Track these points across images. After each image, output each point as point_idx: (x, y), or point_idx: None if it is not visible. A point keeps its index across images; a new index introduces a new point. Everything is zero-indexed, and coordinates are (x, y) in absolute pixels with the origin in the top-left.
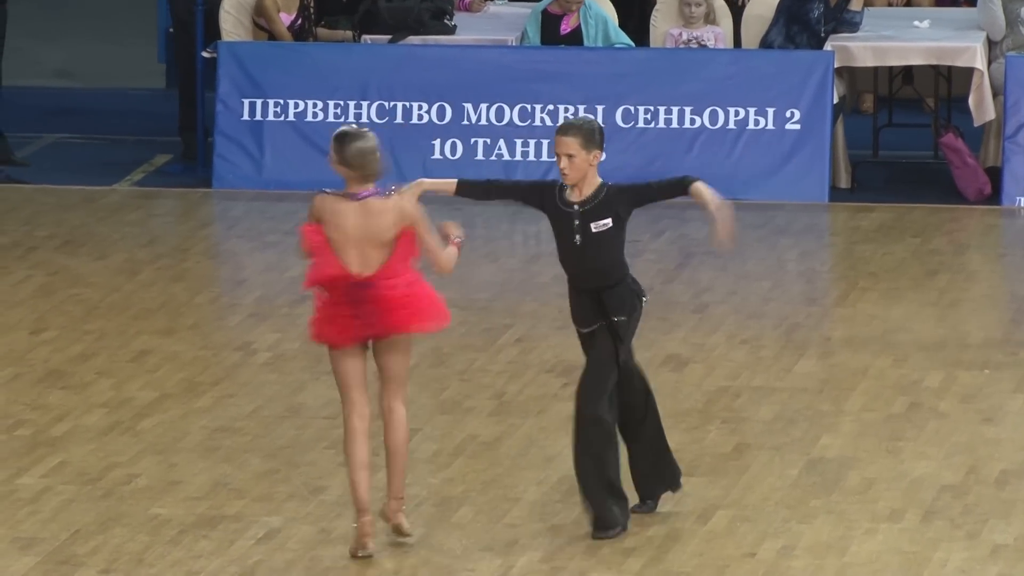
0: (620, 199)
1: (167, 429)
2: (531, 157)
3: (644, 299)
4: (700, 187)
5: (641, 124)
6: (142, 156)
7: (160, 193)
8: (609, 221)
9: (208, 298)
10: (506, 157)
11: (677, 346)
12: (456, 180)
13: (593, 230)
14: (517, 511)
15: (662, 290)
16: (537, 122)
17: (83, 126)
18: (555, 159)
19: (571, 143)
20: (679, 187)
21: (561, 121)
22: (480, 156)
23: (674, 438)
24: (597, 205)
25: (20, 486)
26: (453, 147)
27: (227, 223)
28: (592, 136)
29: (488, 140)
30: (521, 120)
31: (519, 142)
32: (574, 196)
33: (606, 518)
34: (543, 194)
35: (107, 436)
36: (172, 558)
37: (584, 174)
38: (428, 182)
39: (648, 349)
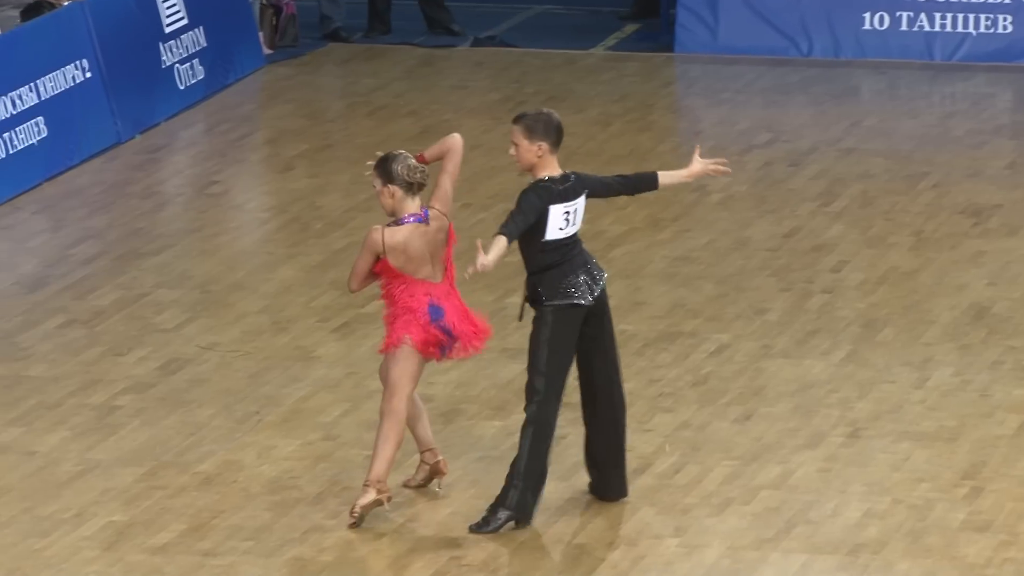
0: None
1: (634, 257)
2: (948, 28)
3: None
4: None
5: None
6: (614, 25)
7: (629, 56)
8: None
9: (669, 146)
10: (927, 28)
11: None
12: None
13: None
14: (932, 332)
15: None
16: None
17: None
18: None
19: (515, 131)
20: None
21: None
22: (904, 27)
23: None
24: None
25: (509, 304)
26: (881, 19)
27: (686, 83)
28: (534, 128)
29: (911, 14)
30: None
31: (937, 15)
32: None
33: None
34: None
35: None
36: (636, 367)
37: (531, 164)
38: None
39: None
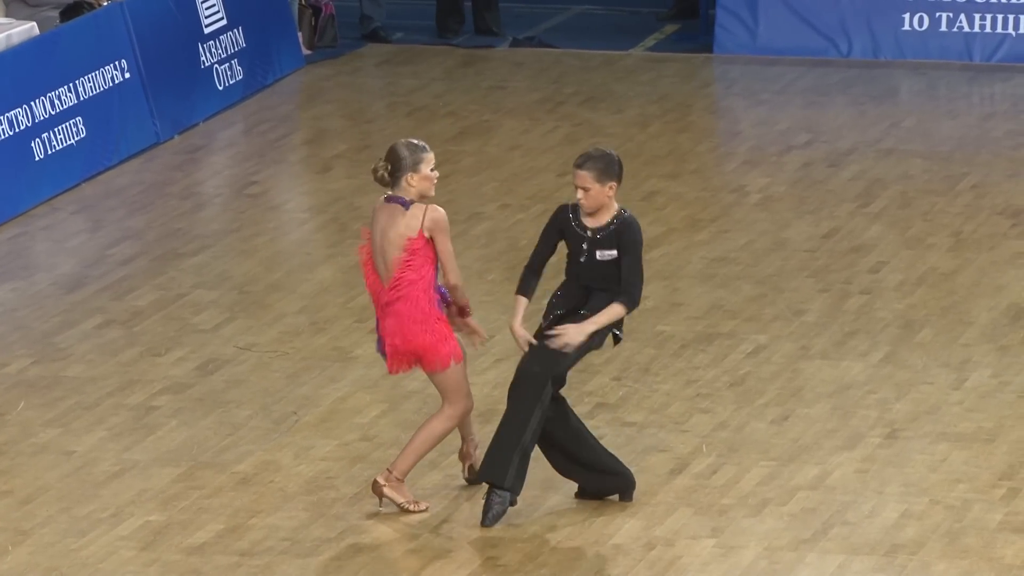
0: (624, 235)
1: (672, 259)
2: (987, 29)
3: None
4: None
5: None
6: (653, 26)
7: (668, 57)
8: (614, 252)
9: (708, 147)
10: (966, 29)
11: None
12: (522, 297)
13: (598, 257)
14: (970, 333)
15: None
16: None
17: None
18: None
19: (586, 177)
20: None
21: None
22: (943, 28)
23: None
24: (606, 236)
25: (543, 306)
26: (920, 20)
27: (726, 83)
28: (607, 169)
29: (951, 14)
30: None
31: (977, 16)
32: (589, 222)
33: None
34: (559, 226)
35: None
36: (674, 368)
37: (600, 204)
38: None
39: None
